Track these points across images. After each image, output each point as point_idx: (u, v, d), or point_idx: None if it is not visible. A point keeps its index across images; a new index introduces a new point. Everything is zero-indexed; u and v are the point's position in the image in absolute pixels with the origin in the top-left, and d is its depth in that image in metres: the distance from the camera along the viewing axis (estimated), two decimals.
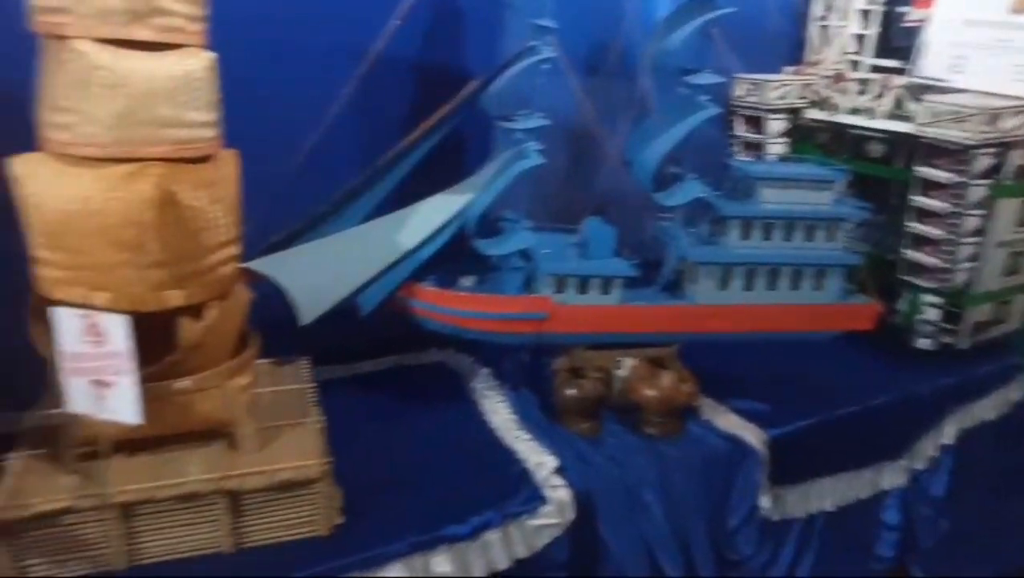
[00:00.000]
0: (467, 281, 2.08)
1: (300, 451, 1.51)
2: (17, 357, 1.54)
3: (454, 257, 2.00)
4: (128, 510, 1.35)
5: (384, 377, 2.25)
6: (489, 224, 2.04)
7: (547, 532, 1.66)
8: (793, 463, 2.03)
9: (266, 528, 1.46)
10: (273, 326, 1.64)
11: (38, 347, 1.44)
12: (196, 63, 1.33)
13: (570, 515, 1.69)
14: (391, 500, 1.61)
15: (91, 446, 1.42)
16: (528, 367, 2.23)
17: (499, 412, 2.03)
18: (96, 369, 1.32)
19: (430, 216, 1.93)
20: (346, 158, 1.95)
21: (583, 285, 2.02)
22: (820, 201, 2.11)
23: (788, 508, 2.09)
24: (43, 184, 1.29)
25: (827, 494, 2.15)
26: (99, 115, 1.26)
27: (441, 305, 1.92)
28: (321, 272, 1.84)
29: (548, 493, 1.68)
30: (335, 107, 1.84)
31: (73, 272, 1.32)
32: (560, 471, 1.75)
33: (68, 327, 1.32)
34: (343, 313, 1.82)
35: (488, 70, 2.00)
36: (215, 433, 1.53)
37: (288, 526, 1.47)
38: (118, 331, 1.28)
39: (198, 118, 1.35)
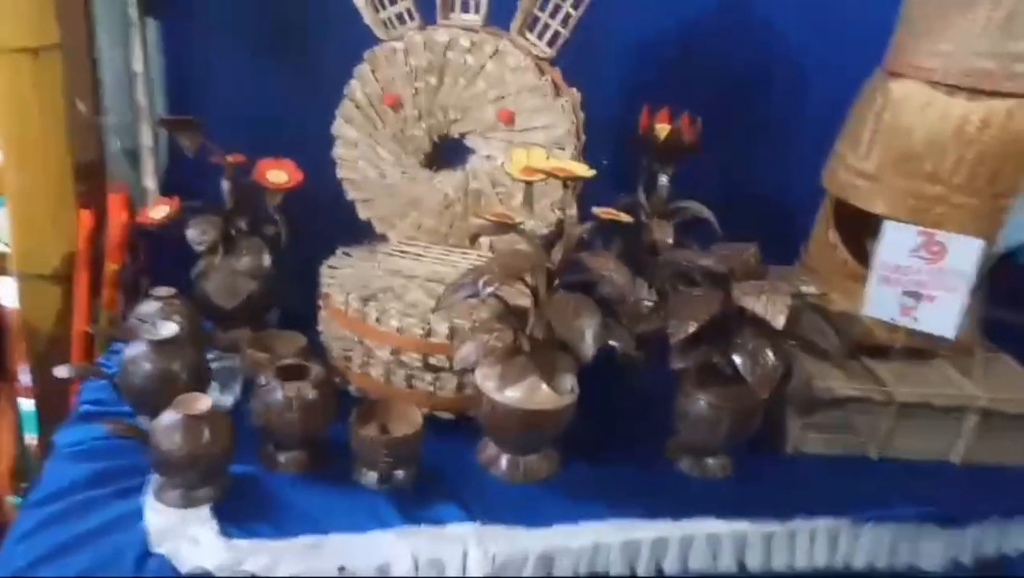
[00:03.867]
0: None
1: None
2: None
3: None
4: (902, 410, 1.46)
5: None
6: None
7: None
8: None
9: (989, 450, 1.50)
10: None
11: (816, 248, 1.61)
12: None
13: None
14: None
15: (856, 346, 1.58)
16: None
17: None
18: (917, 282, 1.43)
19: None
20: None
21: None
22: None
23: None
24: (915, 108, 1.38)
25: None
26: (991, 49, 1.29)
27: None
28: None
29: None
30: None
31: (912, 191, 1.41)
32: None
33: (899, 241, 1.41)
34: None
35: None
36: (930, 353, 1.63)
37: (1004, 453, 1.51)
38: (968, 253, 1.35)
39: None
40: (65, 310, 1.61)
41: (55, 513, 1.10)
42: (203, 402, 1.13)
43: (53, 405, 1.66)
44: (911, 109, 1.39)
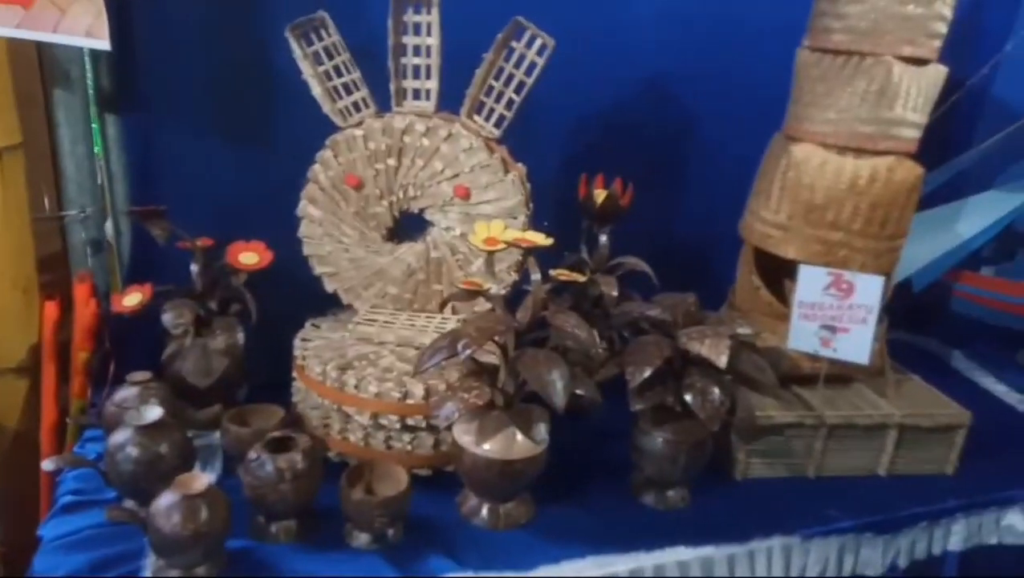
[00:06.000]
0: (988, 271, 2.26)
1: (933, 400, 1.74)
2: None
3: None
4: (831, 431, 1.63)
5: None
6: None
7: None
8: None
9: (909, 461, 1.69)
10: None
11: (742, 292, 1.79)
12: (940, 75, 1.57)
13: None
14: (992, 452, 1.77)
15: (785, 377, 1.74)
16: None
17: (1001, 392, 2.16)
18: (831, 317, 1.61)
19: (986, 209, 2.10)
20: None
21: None
22: None
23: None
24: (814, 168, 1.58)
25: None
26: (869, 116, 1.53)
27: (997, 292, 2.10)
28: None
29: None
30: None
31: (818, 238, 1.61)
32: None
33: (811, 281, 1.60)
34: None
35: None
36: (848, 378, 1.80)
37: (923, 462, 1.70)
38: (871, 289, 1.54)
39: (920, 121, 1.60)
40: (30, 403, 1.60)
41: None
42: (200, 481, 1.17)
43: (17, 500, 1.63)
44: (811, 168, 1.60)
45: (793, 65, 1.72)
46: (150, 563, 1.19)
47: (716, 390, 1.37)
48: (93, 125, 1.61)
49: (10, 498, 1.65)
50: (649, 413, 1.48)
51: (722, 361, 1.30)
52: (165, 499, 1.15)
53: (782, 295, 1.82)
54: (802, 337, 1.64)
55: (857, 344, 1.59)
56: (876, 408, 1.68)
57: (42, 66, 1.49)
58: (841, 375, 1.77)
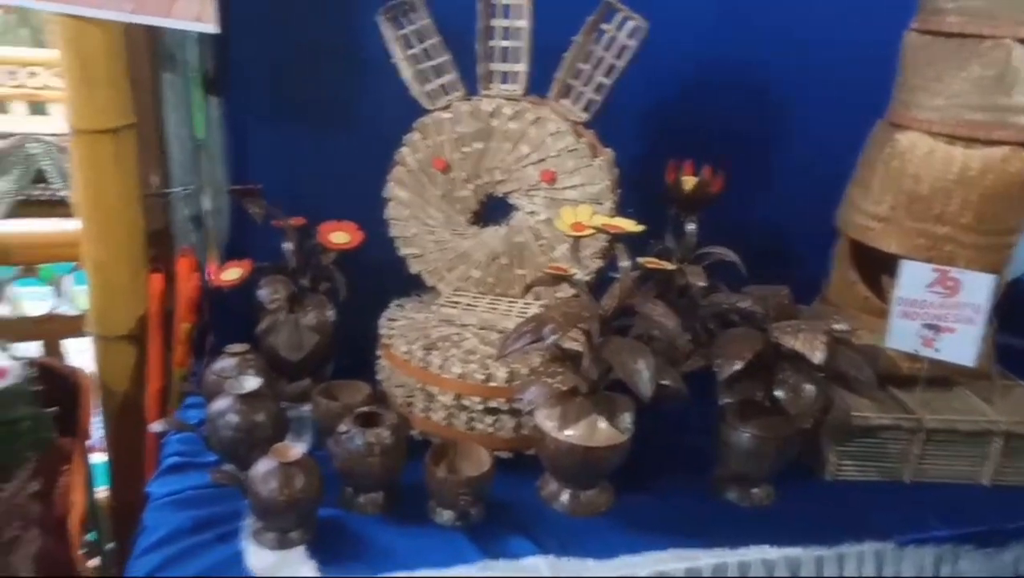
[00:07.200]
0: None
1: None
2: None
3: None
4: (930, 436, 1.57)
5: None
6: None
7: None
8: None
9: (1017, 472, 1.61)
10: None
11: (837, 286, 1.76)
12: None
13: None
14: None
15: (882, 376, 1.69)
16: None
17: None
18: (935, 316, 1.55)
19: None
20: None
21: None
22: None
23: None
24: (920, 157, 1.53)
25: None
26: (983, 103, 1.46)
27: None
28: None
29: None
30: None
31: (923, 232, 1.55)
32: None
33: (915, 277, 1.55)
34: None
35: None
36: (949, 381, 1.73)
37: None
38: (980, 288, 1.48)
39: None
40: (138, 368, 1.72)
41: (166, 558, 1.20)
42: (295, 450, 1.23)
43: (126, 458, 1.76)
44: (916, 157, 1.54)
45: (897, 47, 1.65)
46: (248, 524, 1.28)
47: (809, 387, 1.35)
48: (196, 106, 1.72)
49: (120, 456, 1.79)
50: (736, 407, 1.47)
51: (818, 357, 1.27)
52: (263, 465, 1.22)
53: (879, 290, 1.77)
54: (902, 336, 1.57)
55: (962, 345, 1.52)
56: (980, 414, 1.60)
57: (151, 49, 1.60)
58: (941, 377, 1.71)
